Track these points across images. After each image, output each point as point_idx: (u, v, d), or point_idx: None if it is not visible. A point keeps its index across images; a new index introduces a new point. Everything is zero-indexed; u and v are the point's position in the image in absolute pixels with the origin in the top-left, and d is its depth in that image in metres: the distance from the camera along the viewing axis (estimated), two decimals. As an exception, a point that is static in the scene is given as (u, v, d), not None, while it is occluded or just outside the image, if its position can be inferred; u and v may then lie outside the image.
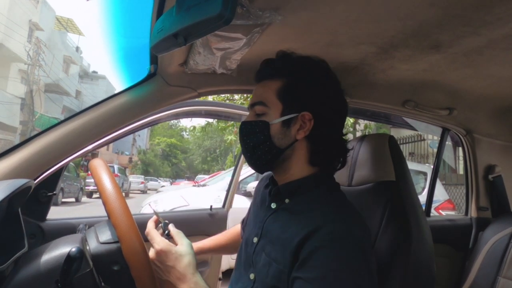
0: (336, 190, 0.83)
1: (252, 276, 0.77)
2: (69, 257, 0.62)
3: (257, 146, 0.78)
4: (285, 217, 0.77)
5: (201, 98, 1.24)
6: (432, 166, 2.75)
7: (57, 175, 1.21)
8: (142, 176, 25.81)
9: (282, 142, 0.78)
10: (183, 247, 0.78)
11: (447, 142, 1.64)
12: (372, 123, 7.03)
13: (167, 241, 0.79)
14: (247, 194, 3.95)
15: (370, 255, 0.67)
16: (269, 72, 0.82)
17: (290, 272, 0.68)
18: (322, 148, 0.80)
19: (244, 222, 1.09)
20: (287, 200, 0.80)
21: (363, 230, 0.70)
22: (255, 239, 0.81)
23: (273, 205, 0.82)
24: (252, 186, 3.95)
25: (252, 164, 0.82)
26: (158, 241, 0.78)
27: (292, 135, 0.78)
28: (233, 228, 1.18)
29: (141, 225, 0.80)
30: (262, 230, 0.80)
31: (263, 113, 0.79)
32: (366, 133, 6.98)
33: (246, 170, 4.35)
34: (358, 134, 7.23)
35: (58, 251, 0.68)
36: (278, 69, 0.81)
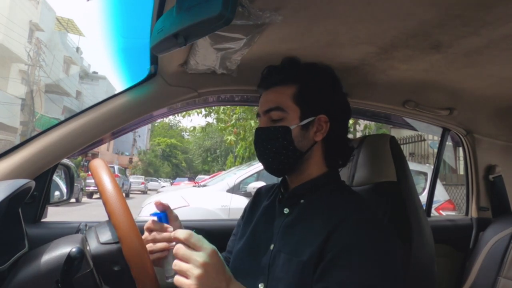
0: (346, 185, 0.87)
1: (261, 286, 0.77)
2: (69, 257, 0.62)
3: (280, 151, 0.80)
4: (305, 216, 0.78)
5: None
6: (432, 167, 2.75)
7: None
8: (142, 177, 25.81)
9: (302, 145, 0.80)
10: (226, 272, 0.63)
11: (447, 142, 1.64)
12: (372, 123, 7.03)
13: (219, 253, 0.62)
14: (247, 194, 3.94)
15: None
16: (280, 78, 0.83)
17: (317, 262, 0.68)
18: (336, 148, 0.84)
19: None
20: (302, 201, 0.82)
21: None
22: (272, 246, 0.80)
23: (286, 210, 0.83)
24: (252, 186, 3.93)
25: (273, 169, 0.83)
26: (209, 252, 0.59)
27: (310, 137, 0.81)
28: None
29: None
30: (278, 235, 0.80)
31: (281, 119, 0.80)
32: (366, 134, 6.99)
33: (246, 170, 4.35)
34: (359, 134, 7.24)
35: (58, 251, 0.68)
36: (289, 75, 0.83)
